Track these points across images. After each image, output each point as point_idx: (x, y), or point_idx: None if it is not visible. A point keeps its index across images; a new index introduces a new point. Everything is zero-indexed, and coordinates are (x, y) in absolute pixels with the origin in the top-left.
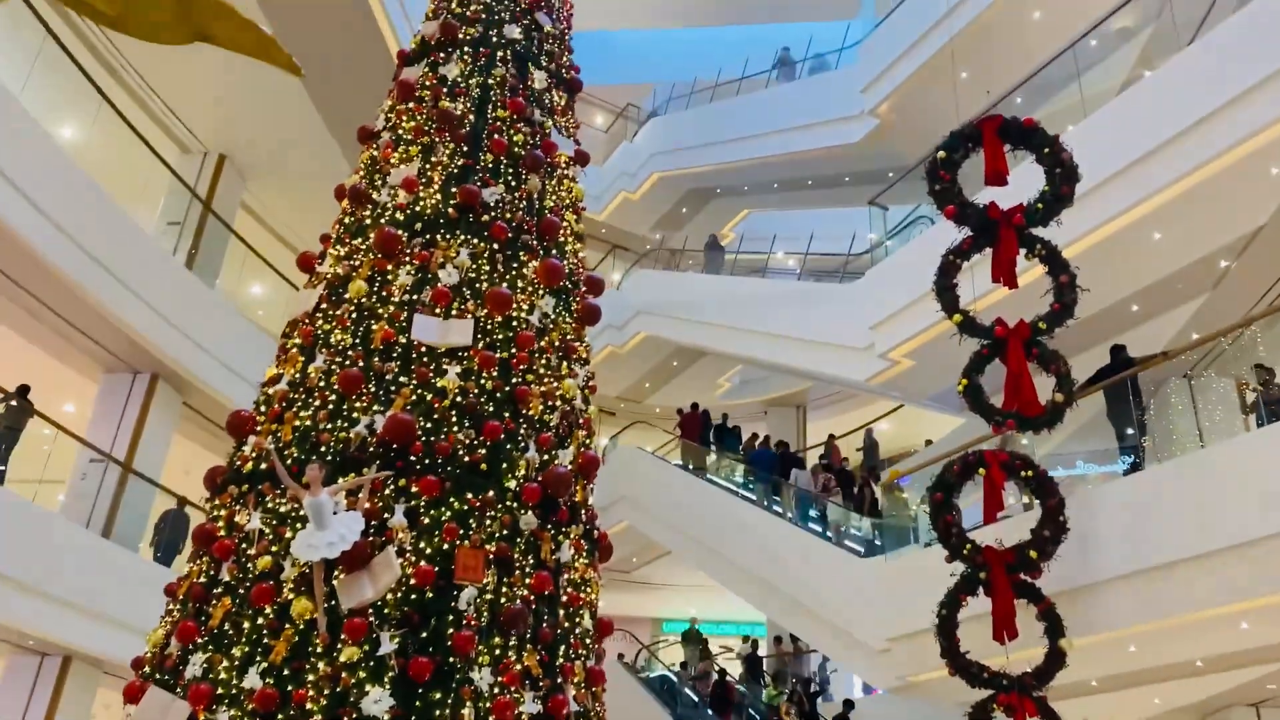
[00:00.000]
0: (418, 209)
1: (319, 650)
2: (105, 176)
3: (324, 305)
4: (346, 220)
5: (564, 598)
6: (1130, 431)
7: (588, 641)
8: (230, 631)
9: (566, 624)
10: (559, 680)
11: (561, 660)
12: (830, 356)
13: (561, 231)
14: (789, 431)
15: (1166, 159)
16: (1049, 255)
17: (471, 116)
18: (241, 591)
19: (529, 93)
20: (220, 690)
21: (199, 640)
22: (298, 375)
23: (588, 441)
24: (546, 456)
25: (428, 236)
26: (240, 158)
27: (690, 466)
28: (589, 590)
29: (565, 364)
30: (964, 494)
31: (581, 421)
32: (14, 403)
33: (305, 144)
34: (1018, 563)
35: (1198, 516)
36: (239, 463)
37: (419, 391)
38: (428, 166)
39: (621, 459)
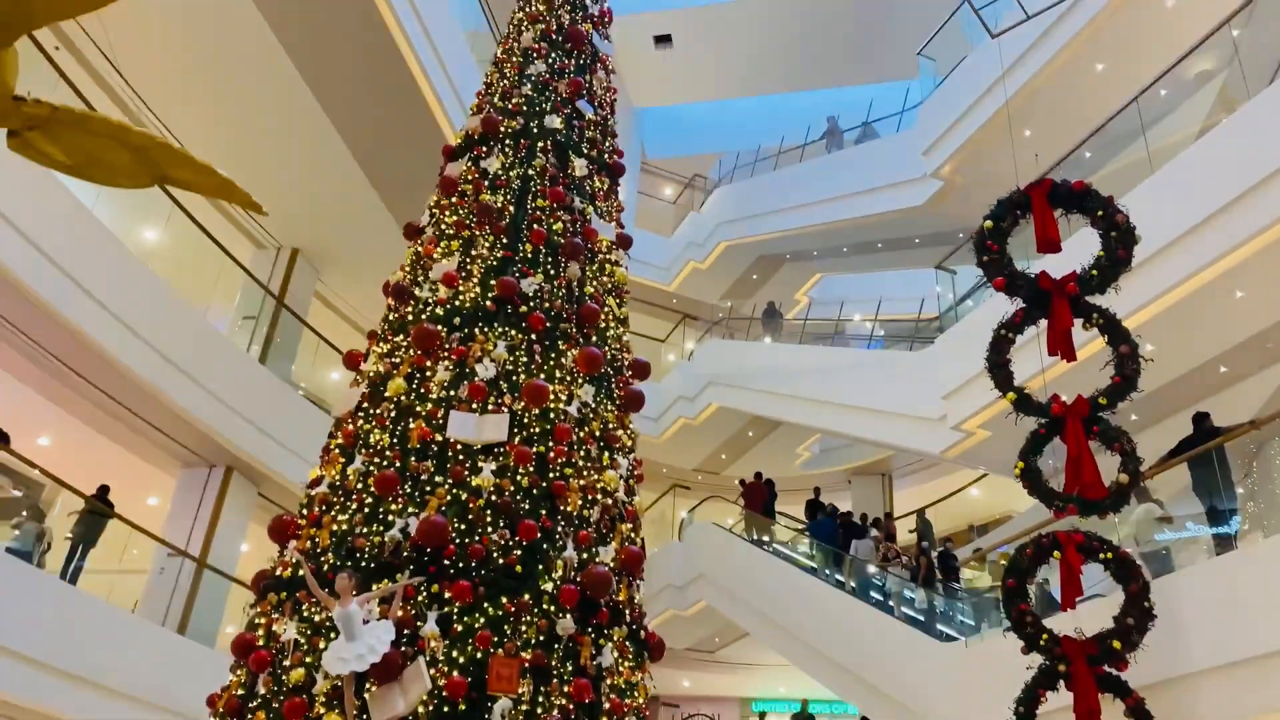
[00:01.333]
0: (457, 303)
1: None
2: (184, 275)
3: (365, 404)
4: (390, 317)
5: (606, 705)
6: (1220, 507)
7: None
8: None
9: None
10: None
11: None
12: (903, 427)
13: (602, 317)
14: (874, 500)
15: (1241, 213)
16: (1107, 324)
17: (512, 208)
18: (275, 705)
19: (569, 181)
20: None
21: None
22: (338, 477)
23: (632, 535)
24: (586, 555)
25: (466, 331)
26: (312, 250)
27: (757, 539)
28: (635, 696)
29: (607, 454)
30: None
31: (625, 514)
32: (94, 503)
33: (374, 235)
34: (1100, 654)
35: None
36: (280, 569)
37: (454, 491)
38: (467, 260)
39: (696, 535)
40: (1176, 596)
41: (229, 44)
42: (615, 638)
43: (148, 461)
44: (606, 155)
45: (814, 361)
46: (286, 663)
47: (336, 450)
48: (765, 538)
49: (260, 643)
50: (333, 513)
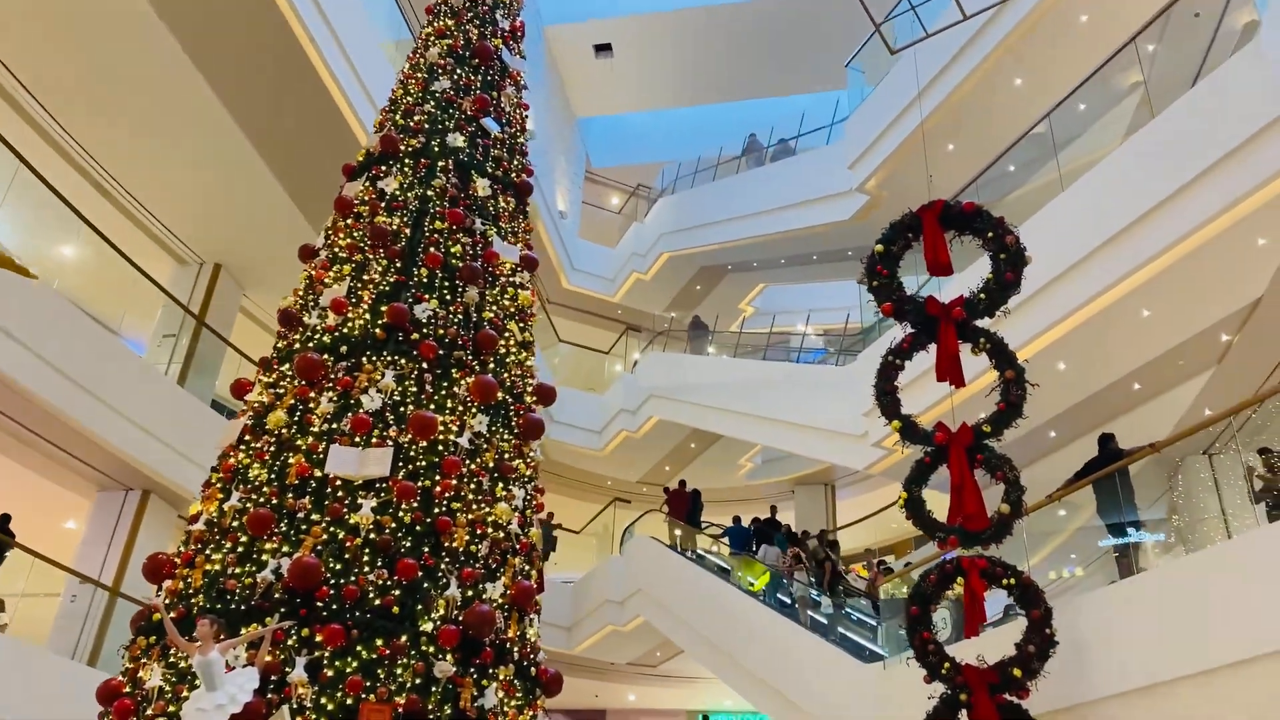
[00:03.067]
0: (345, 331)
1: None
2: (101, 294)
3: (247, 437)
4: (279, 345)
5: None
6: (1122, 530)
7: None
8: None
9: None
10: None
11: None
12: (830, 443)
13: (502, 343)
14: (818, 510)
15: (1146, 231)
16: (994, 349)
17: (408, 230)
18: None
19: (470, 201)
20: None
21: None
22: (215, 514)
23: (527, 569)
24: (471, 592)
25: (353, 360)
26: (235, 265)
27: (682, 549)
28: None
29: (501, 485)
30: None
31: (519, 547)
32: None
33: (297, 249)
34: (1001, 682)
35: (1198, 627)
36: (152, 611)
37: (331, 529)
38: (358, 285)
39: (634, 549)
40: (1080, 621)
41: (135, 57)
42: (501, 677)
43: (63, 486)
44: (514, 174)
45: (750, 375)
46: (150, 711)
47: (216, 485)
48: (690, 548)
49: (126, 689)
50: (207, 551)
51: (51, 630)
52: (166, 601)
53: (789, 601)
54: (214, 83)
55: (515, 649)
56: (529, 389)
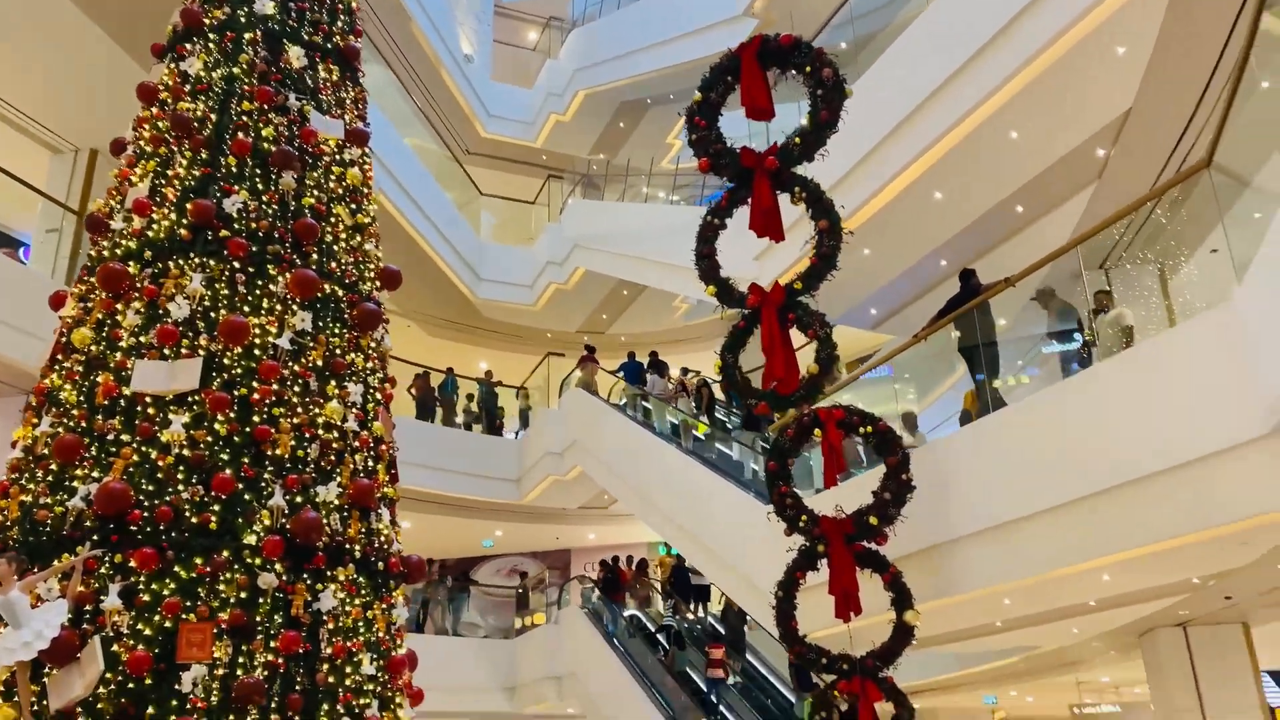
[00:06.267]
0: (150, 234)
1: None
2: None
3: (58, 356)
4: (91, 253)
5: (328, 651)
6: (982, 367)
7: (370, 689)
8: None
9: (332, 679)
10: None
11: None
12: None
13: (329, 230)
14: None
15: (999, 54)
16: (811, 197)
17: (213, 116)
18: None
19: (283, 76)
20: None
21: None
22: (30, 440)
23: (373, 465)
24: (301, 499)
25: (159, 266)
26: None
27: (606, 400)
28: (368, 633)
29: (333, 384)
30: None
31: (358, 444)
32: None
33: None
34: (858, 530)
35: (1050, 465)
36: None
37: (142, 450)
38: (162, 183)
39: (569, 401)
40: (942, 463)
41: None
42: (341, 578)
43: None
44: (336, 38)
45: (670, 221)
46: None
47: (31, 410)
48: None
49: None
50: (22, 481)
51: None
52: None
53: (674, 423)
54: None
55: (357, 547)
56: (368, 276)
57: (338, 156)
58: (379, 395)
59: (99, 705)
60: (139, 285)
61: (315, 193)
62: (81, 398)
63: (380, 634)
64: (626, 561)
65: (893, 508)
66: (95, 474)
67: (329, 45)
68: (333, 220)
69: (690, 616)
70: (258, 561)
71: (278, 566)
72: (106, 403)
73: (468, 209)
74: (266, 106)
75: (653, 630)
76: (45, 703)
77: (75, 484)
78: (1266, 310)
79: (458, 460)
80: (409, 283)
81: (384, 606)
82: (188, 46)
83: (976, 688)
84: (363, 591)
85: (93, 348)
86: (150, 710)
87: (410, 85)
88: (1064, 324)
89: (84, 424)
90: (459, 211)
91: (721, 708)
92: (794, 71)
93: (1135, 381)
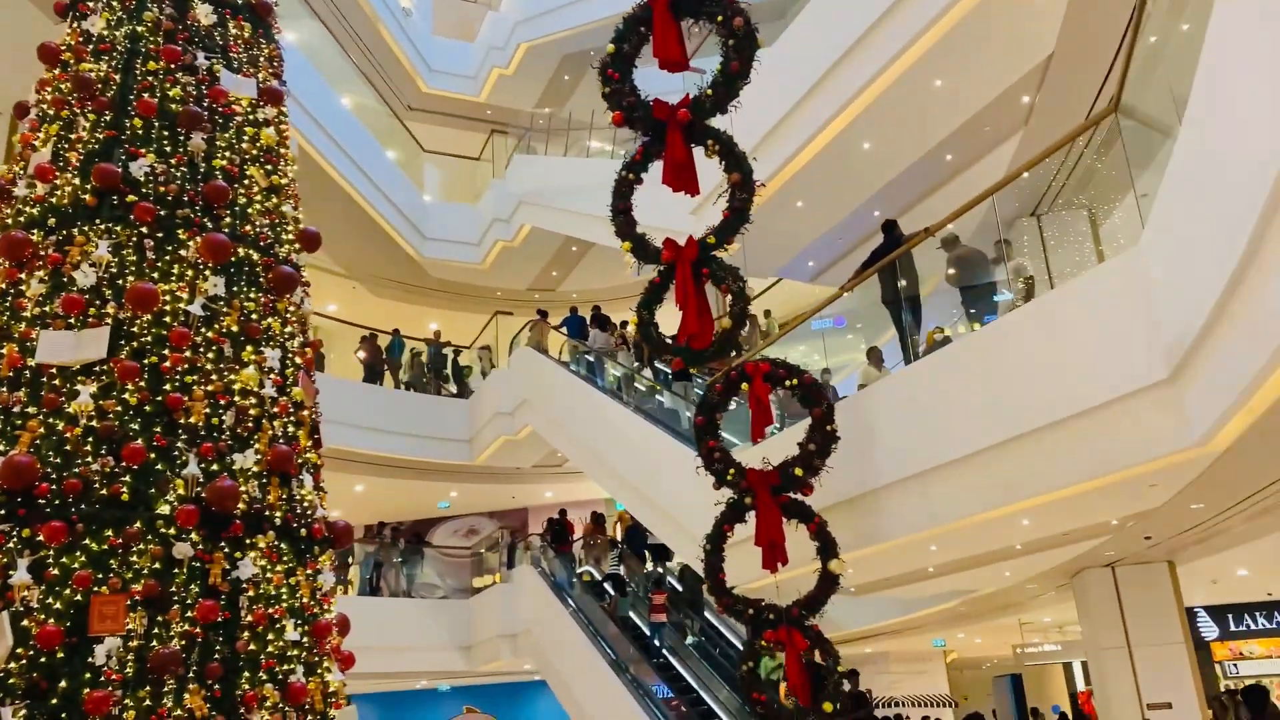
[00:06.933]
0: (53, 200)
1: None
2: None
3: None
4: None
5: (249, 618)
6: (904, 317)
7: (294, 655)
8: None
9: (253, 646)
10: (241, 712)
11: (247, 689)
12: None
13: (243, 192)
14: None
15: (919, 2)
16: (724, 150)
17: (117, 77)
18: None
19: (190, 34)
20: None
21: None
22: None
23: (293, 430)
24: (217, 466)
25: (64, 233)
26: None
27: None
28: (290, 599)
29: (249, 349)
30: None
31: (277, 410)
32: None
33: None
34: (784, 482)
35: (964, 413)
36: None
37: (49, 422)
38: (65, 147)
39: (518, 360)
40: (866, 413)
41: None
42: (261, 545)
43: None
44: None
45: (614, 175)
46: None
47: None
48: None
49: None
50: None
51: None
52: None
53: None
54: None
55: (278, 514)
56: (285, 238)
57: (250, 116)
58: (299, 360)
59: (10, 680)
60: (43, 253)
61: (227, 154)
62: None
63: (304, 599)
64: (593, 519)
65: (817, 459)
66: (1, 448)
67: (239, 1)
68: (246, 182)
69: (645, 570)
70: (172, 531)
71: (194, 536)
72: (11, 374)
73: (410, 166)
74: (173, 66)
75: (599, 580)
76: None
77: None
78: (1168, 256)
79: (408, 423)
80: (353, 244)
81: (308, 572)
82: (90, 4)
83: (925, 631)
84: (285, 558)
85: None
86: (63, 684)
87: (347, 42)
88: (971, 272)
89: None
90: (402, 170)
91: (664, 651)
92: (705, 21)
93: (1045, 329)
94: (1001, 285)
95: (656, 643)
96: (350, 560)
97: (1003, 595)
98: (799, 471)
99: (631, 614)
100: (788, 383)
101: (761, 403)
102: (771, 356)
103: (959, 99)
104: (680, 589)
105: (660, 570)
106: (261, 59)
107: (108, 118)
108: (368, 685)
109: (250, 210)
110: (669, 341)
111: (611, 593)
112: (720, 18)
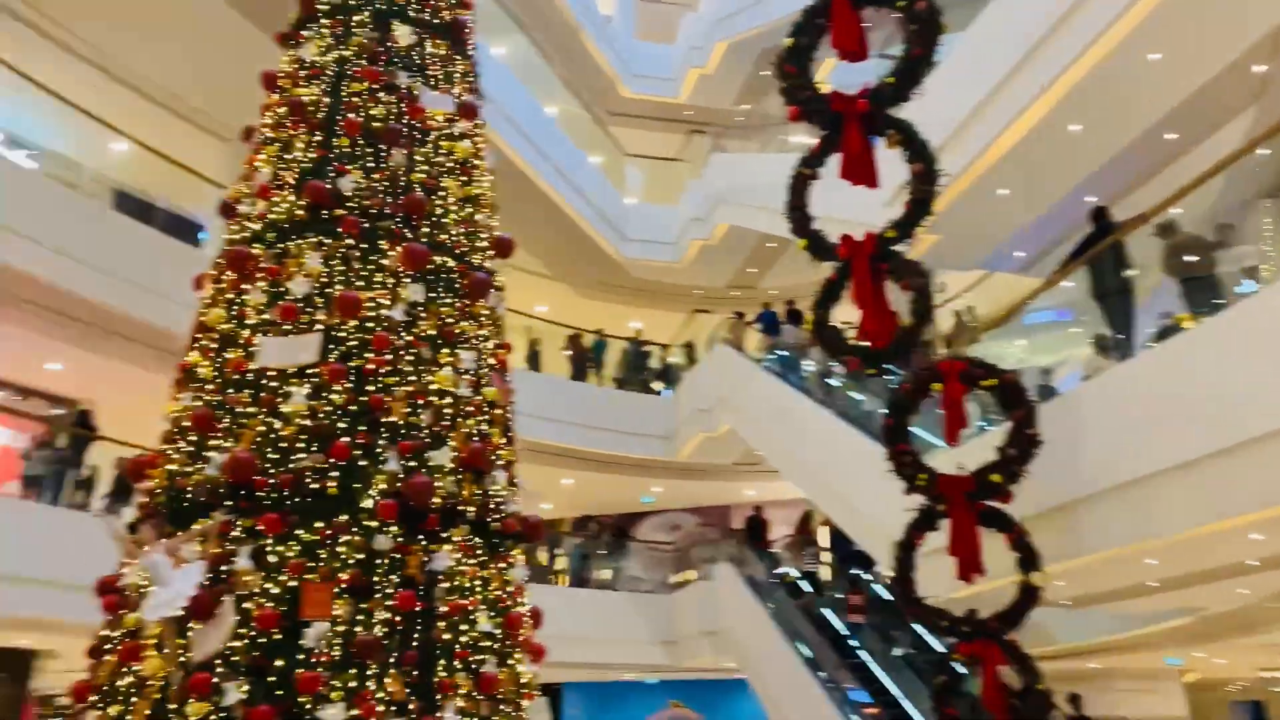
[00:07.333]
0: (272, 216)
1: (174, 708)
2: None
3: (198, 335)
4: (225, 238)
5: (444, 609)
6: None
7: (486, 646)
8: (108, 690)
9: (448, 636)
10: (437, 699)
11: (442, 676)
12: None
13: (439, 203)
14: None
15: None
16: (905, 139)
17: (326, 99)
18: (120, 648)
19: (391, 54)
20: None
21: (90, 698)
22: (174, 414)
23: (487, 429)
24: (415, 463)
25: (281, 246)
26: None
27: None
28: (483, 592)
29: (447, 352)
30: None
31: (471, 409)
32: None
33: None
34: (980, 489)
35: (1180, 418)
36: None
37: (267, 420)
38: (282, 166)
39: (714, 358)
40: (1073, 416)
41: None
42: (456, 539)
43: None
44: (442, 13)
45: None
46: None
47: (174, 385)
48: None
49: (118, 584)
50: (168, 451)
51: None
52: (142, 500)
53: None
54: None
55: (471, 509)
56: (479, 245)
57: (446, 131)
58: (492, 361)
59: (235, 658)
60: (263, 265)
61: (425, 168)
62: (216, 373)
63: (497, 592)
64: (802, 518)
65: (1018, 464)
66: (227, 444)
67: (436, 21)
68: (442, 193)
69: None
70: (374, 524)
71: (393, 529)
72: (236, 377)
73: (613, 170)
74: (375, 86)
75: (797, 578)
76: (190, 655)
77: (211, 454)
78: None
79: (612, 419)
80: (557, 246)
81: (501, 565)
82: (304, 33)
83: (1155, 649)
84: (478, 551)
85: (224, 326)
86: (280, 662)
87: (551, 53)
88: (1193, 261)
89: (218, 398)
90: (605, 173)
91: (859, 653)
92: (886, 8)
93: (1267, 329)
94: (1236, 275)
95: (853, 644)
96: (558, 551)
97: (1242, 614)
98: (997, 478)
99: (830, 614)
100: (985, 382)
101: (956, 404)
102: (969, 355)
103: (1178, 73)
104: (888, 598)
105: (857, 573)
106: (457, 75)
107: (318, 138)
108: (577, 675)
109: (446, 220)
110: (847, 342)
111: (808, 589)
112: (901, 2)
